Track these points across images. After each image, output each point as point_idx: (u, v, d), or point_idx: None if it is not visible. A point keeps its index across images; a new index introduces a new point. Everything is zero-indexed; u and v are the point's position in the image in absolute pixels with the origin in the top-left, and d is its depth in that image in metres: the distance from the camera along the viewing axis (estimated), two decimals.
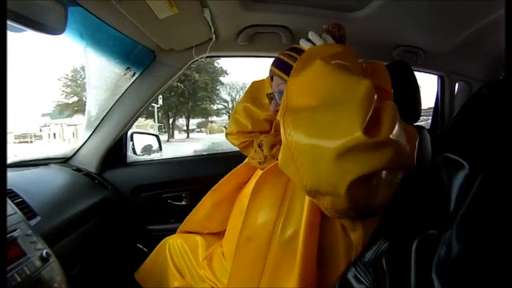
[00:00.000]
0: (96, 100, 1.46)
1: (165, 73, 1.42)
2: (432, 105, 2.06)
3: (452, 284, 0.36)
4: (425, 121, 2.36)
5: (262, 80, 1.12)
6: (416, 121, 1.19)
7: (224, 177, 1.10)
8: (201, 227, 1.18)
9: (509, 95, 0.44)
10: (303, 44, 0.83)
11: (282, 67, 0.89)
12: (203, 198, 1.13)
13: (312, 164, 0.61)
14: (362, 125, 0.54)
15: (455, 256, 0.37)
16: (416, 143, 0.78)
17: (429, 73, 1.93)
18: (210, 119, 24.09)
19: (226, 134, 1.22)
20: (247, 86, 1.16)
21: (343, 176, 0.57)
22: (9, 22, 0.68)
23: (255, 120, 1.11)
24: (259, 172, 0.98)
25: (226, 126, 1.23)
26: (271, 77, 0.98)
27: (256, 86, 1.13)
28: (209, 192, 1.12)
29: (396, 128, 0.59)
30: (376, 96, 0.60)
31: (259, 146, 1.00)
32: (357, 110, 0.57)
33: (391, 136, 0.57)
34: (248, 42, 1.37)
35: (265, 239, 0.81)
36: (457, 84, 1.98)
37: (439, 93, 1.99)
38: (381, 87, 0.84)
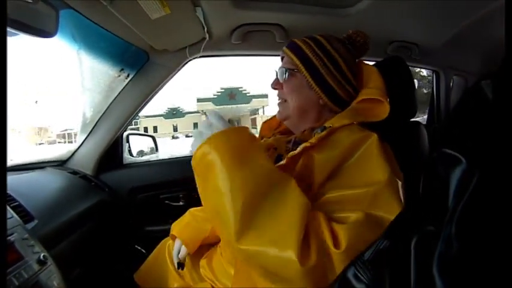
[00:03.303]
0: (90, 102, 1.46)
1: (159, 74, 1.42)
2: None
3: (453, 280, 0.36)
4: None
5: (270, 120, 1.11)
6: (412, 117, 1.19)
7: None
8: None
9: (505, 89, 0.44)
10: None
11: (291, 46, 0.89)
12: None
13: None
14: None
15: (455, 252, 0.37)
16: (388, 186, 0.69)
17: (424, 68, 1.93)
18: None
19: None
20: None
21: None
22: None
23: None
24: None
25: None
26: (282, 58, 0.96)
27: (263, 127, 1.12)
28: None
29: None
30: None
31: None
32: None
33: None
34: (242, 41, 1.36)
35: None
36: (452, 79, 1.99)
37: (434, 88, 2.00)
38: (374, 100, 0.84)
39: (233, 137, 0.65)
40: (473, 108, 0.50)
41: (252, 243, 0.58)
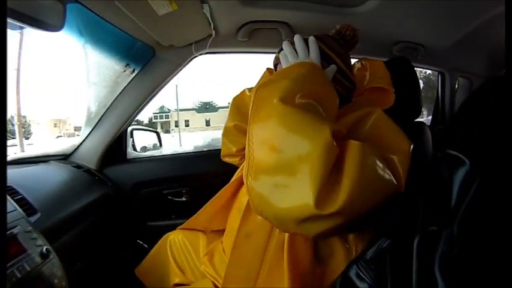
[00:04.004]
0: (95, 97, 1.46)
1: (164, 69, 1.42)
2: None
3: (455, 280, 0.36)
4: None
5: (241, 93, 1.15)
6: (417, 117, 1.19)
7: (228, 184, 1.08)
8: (203, 228, 1.18)
9: (510, 91, 0.44)
10: (284, 47, 0.80)
11: None
12: (206, 205, 1.10)
13: (279, 223, 0.65)
14: (315, 196, 0.55)
15: (458, 252, 0.37)
16: (408, 156, 0.72)
17: (430, 69, 1.93)
18: None
19: (223, 156, 1.22)
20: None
21: (308, 231, 0.62)
22: (7, 20, 0.68)
23: None
24: None
25: None
26: (275, 67, 0.96)
27: (237, 101, 1.15)
28: (212, 199, 1.09)
29: (359, 180, 0.58)
30: (335, 148, 0.58)
31: None
32: (311, 176, 0.56)
33: (347, 202, 0.56)
34: (248, 38, 1.36)
35: (264, 236, 0.80)
36: (457, 81, 1.97)
37: (439, 90, 1.99)
38: (381, 88, 0.84)
39: None
40: (477, 111, 0.50)
41: None
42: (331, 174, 0.56)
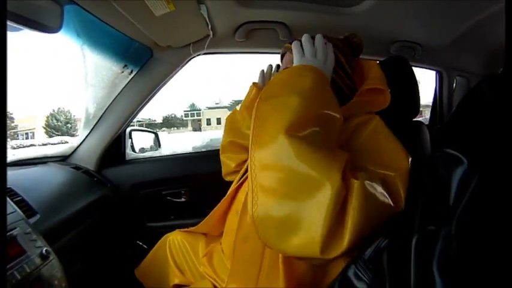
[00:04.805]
0: (94, 98, 1.46)
1: (162, 70, 1.42)
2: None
3: (453, 279, 0.36)
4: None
5: (233, 112, 1.17)
6: (415, 117, 1.19)
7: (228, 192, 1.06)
8: (205, 231, 1.18)
9: (508, 90, 0.44)
10: (293, 47, 0.79)
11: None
12: (213, 211, 1.08)
13: (280, 253, 0.68)
14: (321, 242, 0.55)
15: (456, 251, 0.37)
16: (407, 172, 0.69)
17: (427, 68, 1.93)
18: None
19: (224, 176, 1.22)
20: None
21: (310, 263, 0.68)
22: None
23: (247, 148, 1.10)
24: None
25: None
26: (282, 56, 0.96)
27: (230, 120, 1.15)
28: (214, 209, 1.08)
29: (362, 220, 0.57)
30: (343, 191, 0.56)
31: None
32: (319, 221, 0.55)
33: (351, 244, 0.56)
34: (245, 38, 1.36)
35: (260, 241, 0.81)
36: (455, 79, 1.98)
37: (437, 89, 1.99)
38: (376, 89, 0.84)
39: None
40: (474, 109, 0.50)
41: None
42: (336, 217, 0.56)
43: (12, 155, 1.46)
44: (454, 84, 1.99)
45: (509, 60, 0.53)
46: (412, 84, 1.14)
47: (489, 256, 0.36)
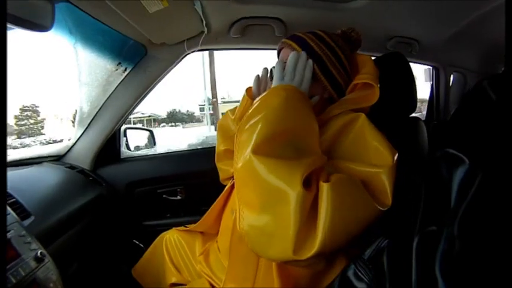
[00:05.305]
0: (87, 97, 1.44)
1: (157, 67, 1.40)
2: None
3: (455, 280, 0.36)
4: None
5: (224, 117, 1.15)
6: (412, 113, 1.19)
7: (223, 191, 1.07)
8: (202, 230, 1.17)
9: (510, 89, 0.44)
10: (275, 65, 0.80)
11: (294, 38, 0.89)
12: (209, 210, 1.09)
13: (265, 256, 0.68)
14: (293, 244, 0.58)
15: (458, 252, 0.37)
16: (393, 168, 0.70)
17: (424, 64, 1.93)
18: None
19: (222, 180, 1.20)
20: None
21: (296, 266, 0.73)
22: None
23: None
24: None
25: None
26: (278, 52, 0.96)
27: (221, 125, 1.14)
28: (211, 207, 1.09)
29: (334, 222, 0.59)
30: (308, 196, 0.60)
31: None
32: (288, 227, 0.59)
33: (322, 245, 0.58)
34: (241, 34, 1.35)
35: None
36: (452, 75, 1.98)
37: (434, 85, 1.99)
38: (367, 84, 0.84)
39: None
40: (476, 109, 0.49)
41: None
42: (308, 219, 0.59)
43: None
44: (451, 80, 2.00)
45: (510, 60, 0.53)
46: (409, 80, 1.14)
47: (492, 257, 0.35)
